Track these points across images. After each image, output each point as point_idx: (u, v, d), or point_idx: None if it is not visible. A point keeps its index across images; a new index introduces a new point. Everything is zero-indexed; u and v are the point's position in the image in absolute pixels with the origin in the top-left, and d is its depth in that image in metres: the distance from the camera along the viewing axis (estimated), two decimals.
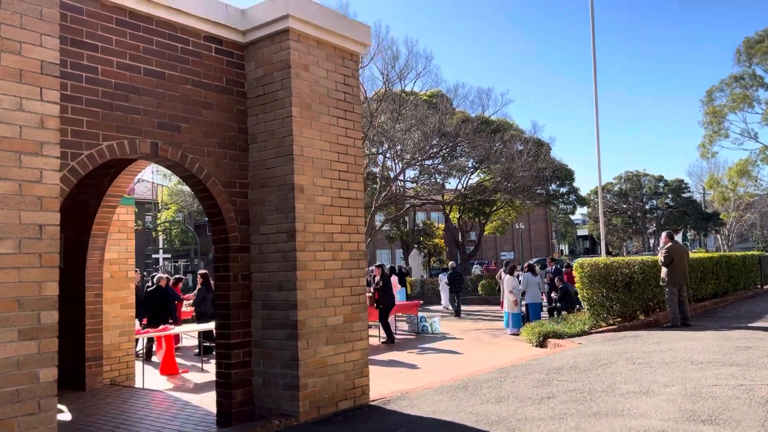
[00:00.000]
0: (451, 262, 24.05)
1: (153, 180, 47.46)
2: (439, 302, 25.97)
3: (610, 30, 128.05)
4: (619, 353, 9.37)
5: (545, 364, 9.01)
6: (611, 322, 12.86)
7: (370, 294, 19.67)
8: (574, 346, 11.07)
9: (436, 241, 38.78)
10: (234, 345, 6.44)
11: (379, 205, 28.69)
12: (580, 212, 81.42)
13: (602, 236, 14.28)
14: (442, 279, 26.12)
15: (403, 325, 16.88)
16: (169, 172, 35.98)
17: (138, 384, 9.72)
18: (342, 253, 6.77)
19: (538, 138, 32.68)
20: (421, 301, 18.17)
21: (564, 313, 15.60)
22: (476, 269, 38.80)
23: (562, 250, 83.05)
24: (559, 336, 12.11)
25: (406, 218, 41.24)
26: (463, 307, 24.44)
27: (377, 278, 15.38)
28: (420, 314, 16.57)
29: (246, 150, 6.74)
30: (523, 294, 15.51)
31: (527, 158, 29.23)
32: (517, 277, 16.04)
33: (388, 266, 22.79)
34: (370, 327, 13.81)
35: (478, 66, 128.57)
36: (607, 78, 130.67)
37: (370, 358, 12.55)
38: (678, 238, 69.72)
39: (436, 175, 35.83)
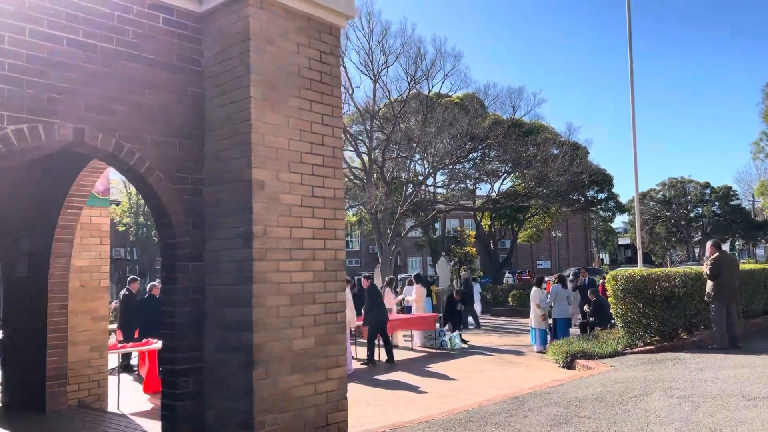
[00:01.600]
0: (464, 273, 22.83)
1: None
2: (467, 313, 24.81)
3: (652, 27, 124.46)
4: (654, 381, 8.03)
5: (567, 393, 7.73)
6: (649, 341, 11.45)
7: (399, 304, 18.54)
8: (604, 369, 9.76)
9: (467, 249, 37.38)
10: (180, 371, 5.39)
11: (406, 210, 27.53)
12: (622, 220, 78.83)
13: (639, 245, 12.87)
14: (475, 289, 25.17)
15: (419, 339, 15.67)
16: None
17: (113, 403, 8.78)
18: (314, 263, 5.66)
19: (574, 141, 31.06)
20: (440, 314, 16.91)
21: (597, 329, 14.20)
22: (508, 278, 37.25)
23: (603, 260, 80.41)
24: (588, 356, 10.78)
25: (436, 225, 40.00)
26: (493, 319, 23.23)
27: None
28: (439, 327, 15.34)
29: (202, 140, 5.71)
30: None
31: (562, 162, 27.70)
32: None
33: (413, 274, 21.56)
34: (377, 345, 12.67)
35: (510, 68, 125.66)
36: (650, 78, 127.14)
37: (373, 377, 11.46)
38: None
39: (467, 181, 34.53)
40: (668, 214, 62.66)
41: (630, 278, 11.29)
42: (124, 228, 45.01)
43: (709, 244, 11.00)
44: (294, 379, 5.39)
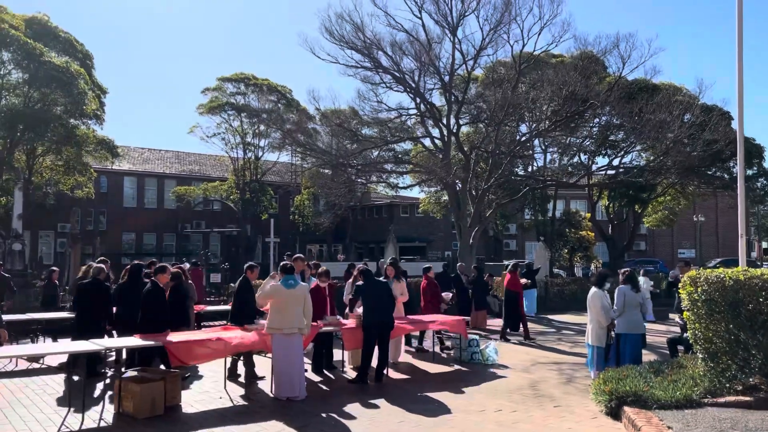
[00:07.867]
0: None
1: (292, 161, 45.73)
2: (566, 310, 19.86)
3: None
4: None
5: None
6: (751, 382, 7.22)
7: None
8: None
9: (583, 233, 32.43)
10: None
11: (491, 185, 23.49)
12: None
13: (740, 228, 8.34)
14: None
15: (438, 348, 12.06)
16: (307, 153, 32.00)
17: None
18: None
19: (711, 104, 25.03)
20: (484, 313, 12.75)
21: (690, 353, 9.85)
22: (674, 272, 31.31)
23: (766, 249, 69.59)
24: (643, 403, 6.87)
25: (549, 207, 35.26)
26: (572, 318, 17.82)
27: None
28: (472, 336, 11.66)
29: None
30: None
31: (690, 128, 22.24)
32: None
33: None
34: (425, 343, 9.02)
35: (616, 14, 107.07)
36: None
37: (317, 412, 7.81)
38: None
39: (581, 154, 29.60)
40: None
41: (718, 283, 7.09)
42: (233, 204, 44.56)
43: None
44: None
